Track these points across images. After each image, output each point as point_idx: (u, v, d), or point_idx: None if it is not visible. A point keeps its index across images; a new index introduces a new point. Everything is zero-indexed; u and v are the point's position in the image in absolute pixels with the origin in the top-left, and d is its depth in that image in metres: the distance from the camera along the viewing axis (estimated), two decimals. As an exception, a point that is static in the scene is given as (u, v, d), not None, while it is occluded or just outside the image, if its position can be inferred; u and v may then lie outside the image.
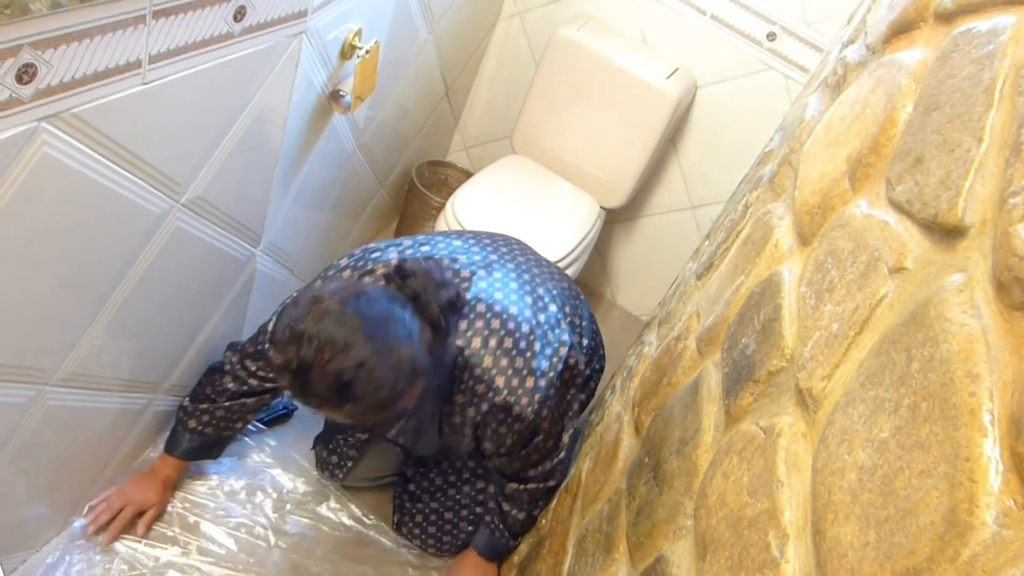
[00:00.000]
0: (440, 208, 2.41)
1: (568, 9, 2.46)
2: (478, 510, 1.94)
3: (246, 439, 2.06)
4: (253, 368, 1.70)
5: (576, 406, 1.67)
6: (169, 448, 1.80)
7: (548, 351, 1.54)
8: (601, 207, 2.48)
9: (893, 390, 0.63)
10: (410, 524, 1.95)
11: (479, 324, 1.48)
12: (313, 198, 2.02)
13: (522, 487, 1.70)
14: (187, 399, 1.79)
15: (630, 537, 1.17)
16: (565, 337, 1.58)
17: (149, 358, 1.68)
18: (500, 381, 1.48)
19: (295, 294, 1.51)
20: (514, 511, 1.76)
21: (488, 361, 1.47)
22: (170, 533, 1.83)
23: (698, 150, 2.47)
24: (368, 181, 2.40)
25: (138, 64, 1.10)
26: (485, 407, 1.49)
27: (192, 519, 1.86)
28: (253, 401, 1.76)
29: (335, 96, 1.71)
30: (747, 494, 0.83)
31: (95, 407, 1.57)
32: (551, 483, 1.70)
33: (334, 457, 2.00)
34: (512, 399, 1.49)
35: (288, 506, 1.97)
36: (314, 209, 2.09)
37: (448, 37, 2.32)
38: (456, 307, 1.45)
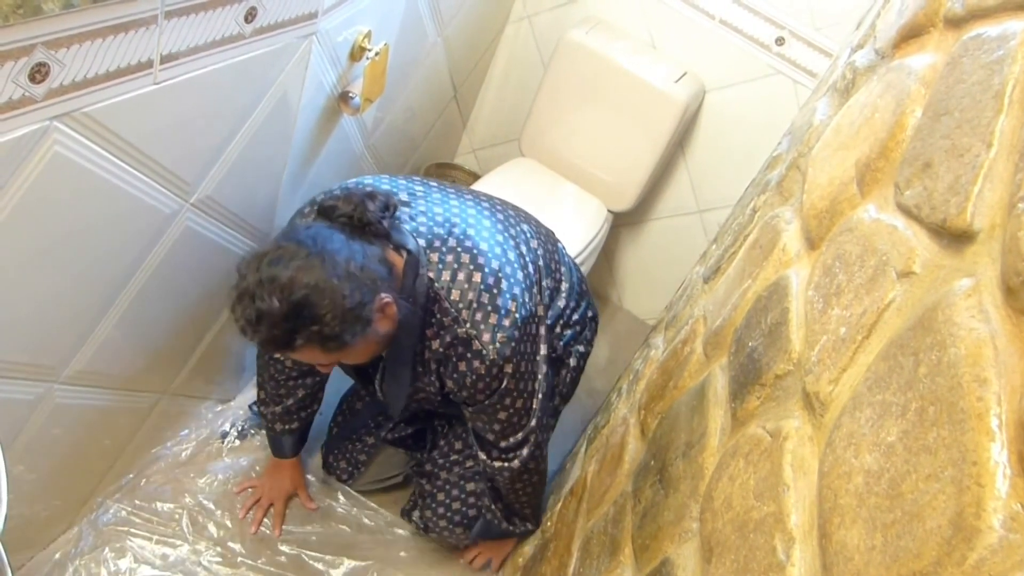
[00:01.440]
0: (448, 210, 2.41)
1: (577, 13, 2.46)
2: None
3: (255, 441, 2.07)
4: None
5: (545, 368, 1.61)
6: (278, 454, 1.94)
7: (516, 290, 1.50)
8: (608, 210, 2.48)
9: (900, 394, 0.63)
10: (433, 506, 1.91)
11: (449, 258, 1.47)
12: (321, 199, 2.03)
13: (500, 464, 1.67)
14: (260, 405, 1.86)
15: (635, 540, 1.17)
16: (527, 297, 1.54)
17: (157, 357, 1.68)
18: (464, 314, 1.46)
19: None
20: (505, 494, 1.76)
21: (456, 294, 1.46)
22: (178, 532, 1.83)
23: (706, 154, 2.47)
24: (376, 183, 2.40)
25: (150, 64, 1.10)
26: (448, 338, 1.46)
27: (201, 519, 1.87)
28: (312, 380, 1.81)
29: (344, 98, 1.72)
30: (753, 497, 0.83)
31: (103, 405, 1.58)
32: (524, 457, 1.65)
33: (343, 463, 2.00)
34: (474, 332, 1.46)
35: (293, 504, 1.97)
36: (322, 210, 2.10)
37: (457, 40, 2.33)
38: (390, 208, 1.43)
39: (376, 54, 1.69)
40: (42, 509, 1.63)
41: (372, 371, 1.73)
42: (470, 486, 1.89)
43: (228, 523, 1.89)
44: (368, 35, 1.68)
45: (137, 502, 1.85)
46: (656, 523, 1.10)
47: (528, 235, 1.65)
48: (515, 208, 1.72)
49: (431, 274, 1.45)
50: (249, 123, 1.43)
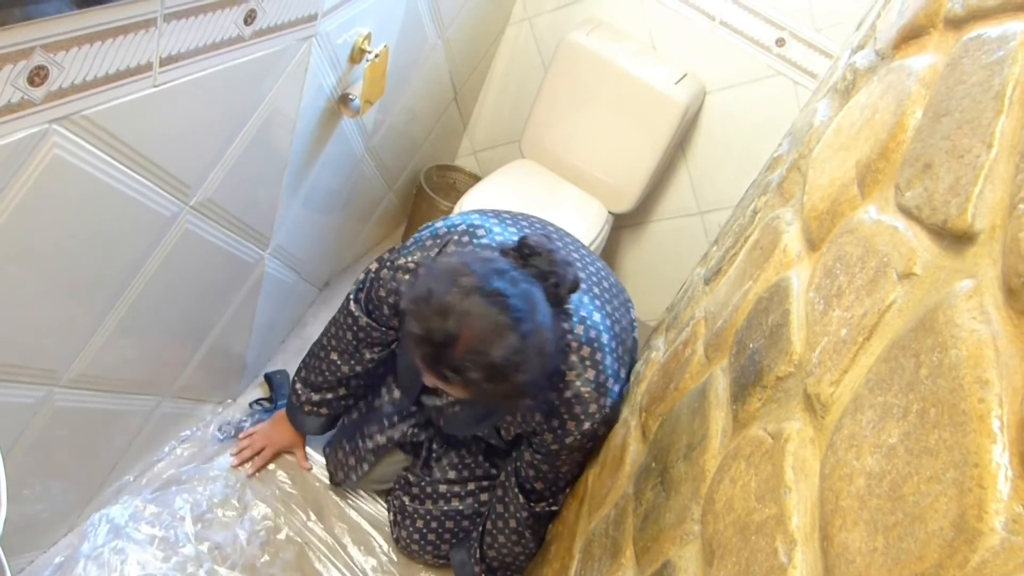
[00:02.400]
0: (448, 212, 2.41)
1: (577, 14, 2.46)
2: (478, 521, 1.94)
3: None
4: (368, 356, 1.78)
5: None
6: (296, 427, 1.97)
7: (618, 363, 1.54)
8: (609, 212, 2.48)
9: (902, 396, 0.63)
10: (410, 529, 1.94)
11: (578, 315, 1.48)
12: (322, 201, 2.03)
13: (542, 506, 1.69)
14: (299, 383, 1.89)
15: (637, 542, 1.16)
16: (624, 372, 1.58)
17: (157, 360, 1.68)
18: (590, 374, 1.47)
19: (406, 263, 1.54)
20: (506, 543, 1.76)
21: (585, 351, 1.46)
22: (181, 533, 1.83)
23: (706, 155, 2.47)
24: (377, 185, 2.40)
25: (149, 67, 1.10)
26: (568, 394, 1.47)
27: (203, 520, 1.87)
28: (362, 383, 1.87)
29: (344, 100, 1.72)
30: (755, 499, 0.83)
31: (104, 408, 1.58)
32: (552, 507, 1.70)
33: (351, 459, 1.99)
34: (595, 395, 1.48)
35: (295, 505, 1.97)
36: (323, 212, 2.10)
37: (457, 41, 2.33)
38: (578, 287, 1.43)
39: (376, 56, 1.69)
40: (43, 512, 1.63)
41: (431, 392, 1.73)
42: (449, 524, 1.93)
43: (230, 524, 1.89)
44: (368, 37, 1.68)
45: (139, 504, 1.85)
46: (657, 525, 1.10)
47: (623, 308, 1.67)
48: (609, 275, 1.72)
49: (565, 324, 1.45)
50: (249, 125, 1.43)
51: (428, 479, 1.95)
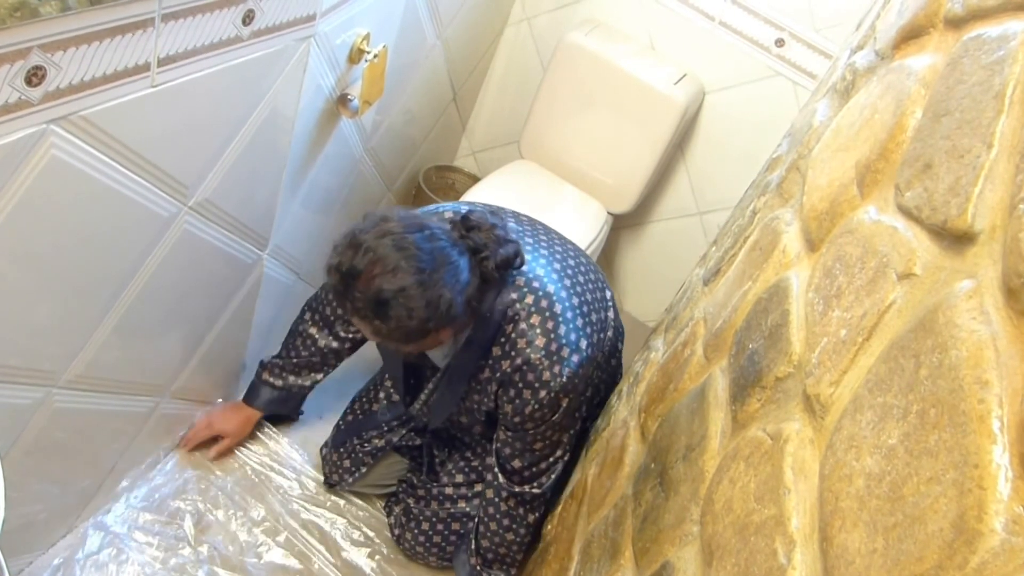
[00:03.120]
0: (447, 213, 2.41)
1: (576, 14, 2.46)
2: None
3: (250, 444, 2.07)
4: (341, 334, 1.86)
5: (584, 408, 1.68)
6: (248, 399, 1.98)
7: (585, 331, 1.57)
8: (608, 212, 2.48)
9: (901, 396, 0.63)
10: (415, 532, 1.93)
11: (527, 290, 1.53)
12: (321, 202, 2.03)
13: (522, 489, 1.69)
14: (271, 359, 1.95)
15: (636, 543, 1.16)
16: (589, 340, 1.59)
17: (156, 361, 1.68)
18: (540, 341, 1.50)
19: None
20: (498, 529, 1.76)
21: (535, 319, 1.51)
22: (180, 534, 1.83)
23: (705, 156, 2.47)
24: (375, 185, 2.40)
25: (147, 67, 1.10)
26: (519, 361, 1.51)
27: (202, 521, 1.87)
28: (322, 358, 1.90)
29: (343, 100, 1.72)
30: (754, 500, 0.82)
31: (102, 409, 1.58)
32: (547, 485, 1.69)
33: (347, 462, 1.99)
34: (546, 362, 1.51)
35: (293, 506, 1.97)
36: (321, 213, 2.10)
37: (456, 42, 2.32)
38: (514, 264, 1.50)
39: (375, 56, 1.69)
40: (41, 513, 1.63)
41: (421, 383, 1.76)
42: (456, 525, 1.93)
43: (230, 526, 1.89)
44: (367, 37, 1.68)
45: (138, 506, 1.85)
46: (656, 526, 1.10)
47: (592, 286, 1.69)
48: (580, 255, 1.76)
49: (514, 295, 1.51)
50: (247, 126, 1.42)
51: (435, 486, 1.95)
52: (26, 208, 1.06)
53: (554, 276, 1.58)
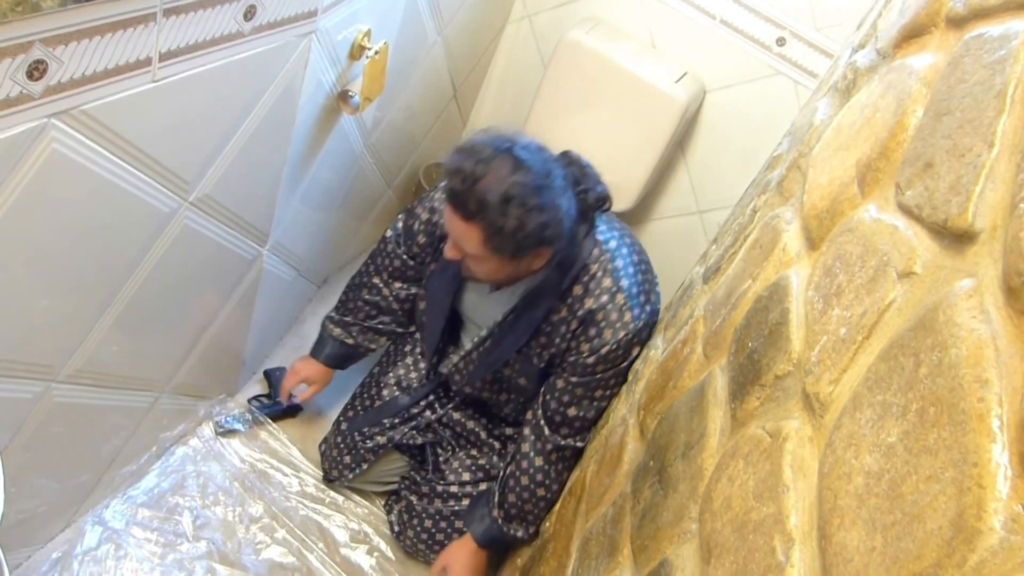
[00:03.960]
0: (447, 210, 2.41)
1: (577, 12, 2.46)
2: None
3: (249, 440, 2.07)
4: (396, 286, 1.93)
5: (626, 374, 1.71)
6: (314, 353, 2.04)
7: (654, 289, 1.70)
8: (608, 210, 2.47)
9: (901, 395, 0.63)
10: (417, 529, 1.93)
11: (612, 234, 1.65)
12: (321, 198, 2.03)
13: (567, 442, 1.70)
14: (333, 310, 2.01)
15: (634, 540, 1.16)
16: (655, 298, 1.71)
17: (155, 356, 1.68)
18: (624, 283, 1.60)
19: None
20: (529, 484, 1.75)
21: (619, 263, 1.62)
22: (178, 529, 1.83)
23: (706, 154, 2.46)
24: (376, 182, 2.40)
25: (148, 62, 1.10)
26: (604, 299, 1.59)
27: (201, 517, 1.87)
28: (389, 319, 1.98)
29: (344, 96, 1.71)
30: (753, 498, 0.83)
31: (101, 404, 1.58)
32: (579, 443, 1.71)
33: (347, 458, 1.99)
34: (630, 303, 1.59)
35: (292, 503, 1.97)
36: (322, 209, 2.10)
37: (457, 39, 2.32)
38: (604, 204, 1.62)
39: (376, 53, 1.69)
40: (40, 507, 1.63)
41: (451, 346, 1.85)
42: (459, 523, 1.92)
43: (228, 522, 1.89)
44: (368, 34, 1.68)
45: (137, 501, 1.85)
46: (655, 524, 1.10)
47: (646, 262, 1.78)
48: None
49: (599, 237, 1.63)
50: (248, 122, 1.42)
51: (439, 483, 1.95)
52: (27, 202, 1.06)
53: (627, 241, 1.68)
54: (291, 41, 1.40)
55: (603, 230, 1.64)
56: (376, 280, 1.95)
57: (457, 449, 1.98)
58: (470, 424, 1.97)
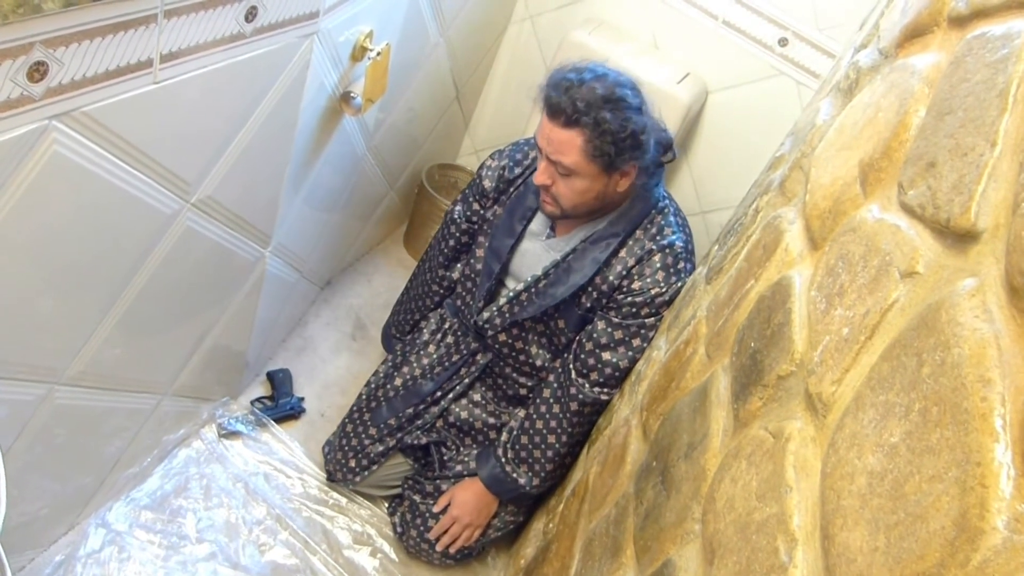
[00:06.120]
0: (450, 211, 2.40)
1: (579, 13, 2.46)
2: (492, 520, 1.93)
3: (252, 442, 2.07)
4: (444, 274, 2.05)
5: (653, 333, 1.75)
6: (389, 349, 2.21)
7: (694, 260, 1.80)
8: (611, 211, 2.47)
9: (904, 394, 0.62)
10: (420, 529, 1.93)
11: (671, 197, 1.81)
12: (323, 200, 2.03)
13: (595, 393, 1.74)
14: (393, 317, 2.21)
15: (637, 541, 1.16)
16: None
17: (158, 358, 1.68)
18: (682, 237, 1.73)
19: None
20: (543, 428, 1.79)
21: (679, 220, 1.76)
22: (182, 532, 1.83)
23: (708, 155, 2.46)
24: (378, 183, 2.40)
25: (149, 63, 1.10)
26: (664, 243, 1.69)
27: (204, 520, 1.87)
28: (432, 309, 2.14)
29: (346, 98, 1.71)
30: (756, 499, 0.82)
31: (104, 406, 1.58)
32: (603, 396, 1.75)
33: (351, 461, 1.98)
34: (684, 254, 1.72)
35: (295, 504, 1.97)
36: (324, 211, 2.10)
37: (459, 40, 2.32)
38: (672, 151, 1.73)
39: (378, 54, 1.69)
40: (43, 510, 1.63)
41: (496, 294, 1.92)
42: None
43: (231, 524, 1.89)
44: (370, 35, 1.68)
45: (140, 502, 1.85)
46: (658, 524, 1.09)
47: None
48: None
49: (664, 191, 1.76)
50: (250, 123, 1.42)
51: (443, 483, 1.95)
52: (28, 205, 1.06)
53: (681, 215, 1.82)
54: (293, 42, 1.40)
55: (664, 191, 1.78)
56: (426, 267, 2.09)
57: (462, 447, 1.99)
58: (477, 424, 1.98)
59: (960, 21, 0.87)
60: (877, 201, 0.87)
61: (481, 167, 1.92)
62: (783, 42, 2.19)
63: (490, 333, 1.89)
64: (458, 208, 1.97)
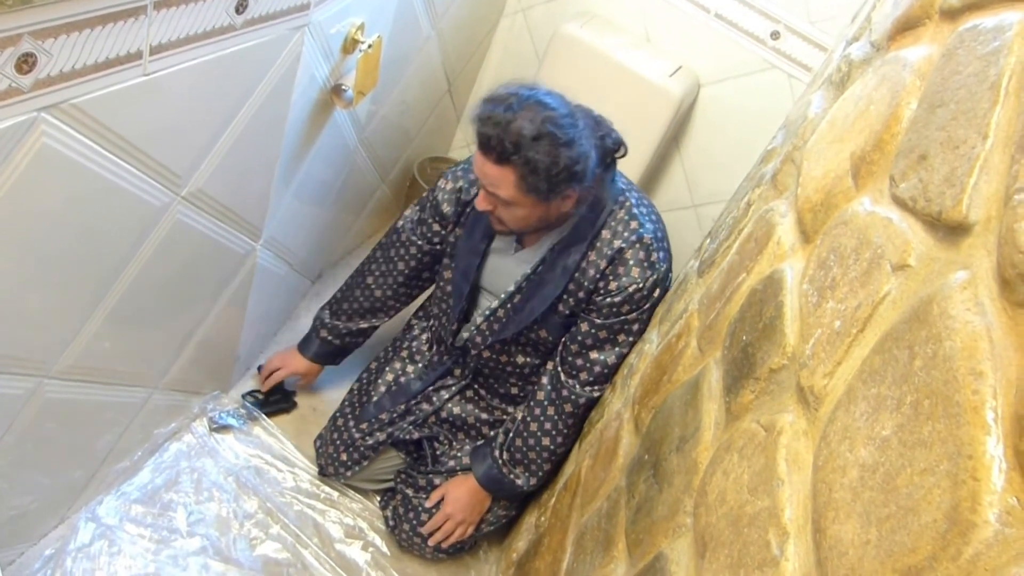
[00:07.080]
0: (441, 204, 2.40)
1: (571, 6, 2.45)
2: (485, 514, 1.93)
3: (243, 436, 2.06)
4: (400, 267, 1.98)
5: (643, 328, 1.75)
6: (302, 348, 2.10)
7: (667, 247, 1.76)
8: (603, 205, 2.47)
9: (895, 387, 0.62)
10: (413, 523, 1.93)
11: (632, 186, 1.76)
12: (314, 193, 2.02)
13: (586, 390, 1.75)
14: (324, 310, 2.07)
15: (629, 534, 1.16)
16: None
17: (148, 352, 1.67)
18: (650, 226, 1.69)
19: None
20: (537, 431, 1.79)
21: (643, 209, 1.71)
22: (172, 526, 1.83)
23: (700, 148, 2.46)
24: (369, 176, 2.39)
25: (139, 55, 1.09)
26: (633, 238, 1.66)
27: (195, 513, 1.86)
28: (383, 316, 2.05)
29: (337, 90, 1.71)
30: (747, 492, 0.82)
31: (94, 400, 1.57)
32: (594, 393, 1.75)
33: (343, 455, 1.98)
34: (656, 244, 1.67)
35: (286, 498, 1.97)
36: (315, 204, 2.09)
37: (451, 33, 2.32)
38: (621, 150, 1.67)
39: (369, 47, 1.68)
40: (32, 504, 1.62)
41: (469, 314, 1.89)
42: None
43: (222, 518, 1.88)
44: (361, 27, 1.67)
45: (130, 496, 1.84)
46: (650, 518, 1.10)
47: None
48: None
49: (621, 185, 1.72)
50: (240, 116, 1.42)
51: (436, 477, 1.95)
52: (16, 197, 1.05)
53: (646, 202, 1.77)
54: (284, 35, 1.39)
55: (623, 180, 1.74)
56: (370, 280, 1.99)
57: (455, 442, 1.99)
58: (470, 419, 1.97)
59: (952, 14, 0.87)
60: (869, 194, 0.87)
61: (435, 189, 1.89)
62: (775, 35, 2.19)
63: (473, 352, 1.90)
64: (415, 228, 1.95)
